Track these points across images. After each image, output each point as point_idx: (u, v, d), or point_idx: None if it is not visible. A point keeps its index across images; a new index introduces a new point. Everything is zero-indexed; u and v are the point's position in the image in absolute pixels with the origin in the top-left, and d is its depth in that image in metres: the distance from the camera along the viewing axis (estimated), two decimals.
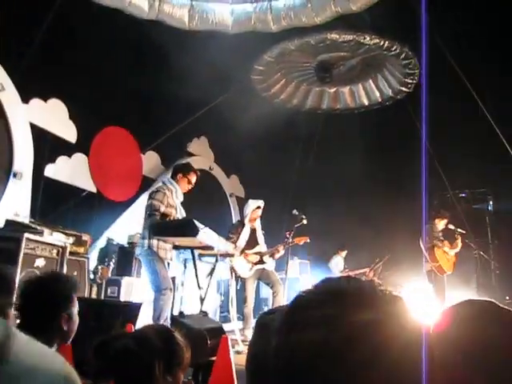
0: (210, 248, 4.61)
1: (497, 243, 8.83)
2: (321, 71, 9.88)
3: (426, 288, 7.33)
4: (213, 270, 4.90)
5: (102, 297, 6.39)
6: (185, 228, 4.31)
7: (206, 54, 8.32)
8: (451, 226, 7.73)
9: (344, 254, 10.54)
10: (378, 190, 9.74)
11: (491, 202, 9.93)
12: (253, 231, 6.44)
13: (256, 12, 7.93)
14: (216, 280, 6.98)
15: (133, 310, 3.65)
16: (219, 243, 4.60)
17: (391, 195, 9.17)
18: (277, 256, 6.39)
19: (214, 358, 3.32)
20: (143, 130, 9.07)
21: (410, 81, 9.88)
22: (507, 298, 8.71)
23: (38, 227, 5.24)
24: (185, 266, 5.74)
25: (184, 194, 5.13)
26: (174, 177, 5.10)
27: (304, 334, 0.62)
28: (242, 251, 6.19)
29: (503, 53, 8.38)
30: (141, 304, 3.73)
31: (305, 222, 6.29)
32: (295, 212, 6.40)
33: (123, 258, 6.92)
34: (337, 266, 10.35)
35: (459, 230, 7.77)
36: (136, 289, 6.46)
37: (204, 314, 4.18)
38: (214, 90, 9.38)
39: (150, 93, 8.47)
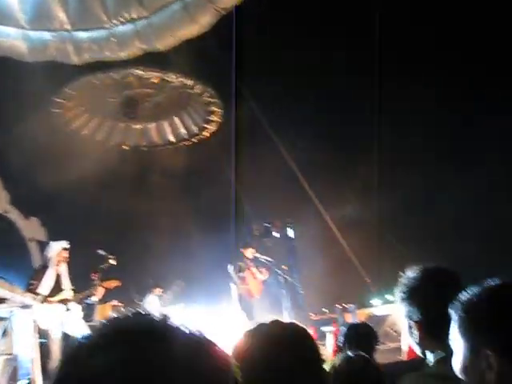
0: (3, 300, 4.02)
1: (299, 266, 9.72)
2: (126, 107, 9.76)
3: (236, 312, 7.59)
4: (6, 326, 4.27)
5: None
6: None
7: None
8: (258, 255, 8.19)
9: (159, 291, 10.26)
10: (190, 222, 9.95)
11: (293, 230, 10.89)
12: (57, 276, 5.83)
13: (55, 41, 7.46)
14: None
15: None
16: (13, 294, 4.03)
17: (204, 225, 9.43)
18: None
19: None
20: None
21: (215, 119, 10.39)
22: (312, 314, 9.56)
23: None
24: None
25: None
26: None
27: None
28: (45, 299, 5.53)
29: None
30: None
31: (113, 262, 5.95)
32: (101, 252, 6.02)
33: None
34: (150, 305, 9.98)
35: (266, 257, 8.28)
36: None
37: None
38: (10, 119, 8.50)
39: None
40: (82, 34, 7.57)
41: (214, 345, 0.62)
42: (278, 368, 1.07)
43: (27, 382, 6.62)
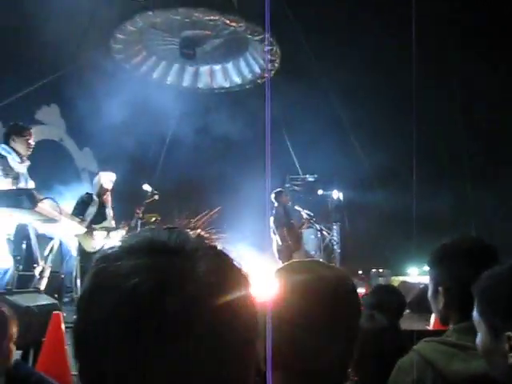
0: (52, 222, 4.23)
1: (339, 225, 9.73)
2: (184, 47, 9.72)
3: (275, 265, 7.66)
4: (53, 245, 4.53)
5: None
6: (21, 199, 3.88)
7: (63, 13, 7.62)
8: (298, 208, 8.17)
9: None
10: (230, 169, 10.06)
11: (336, 189, 10.80)
12: (101, 205, 6.06)
13: None
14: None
15: None
16: (63, 217, 4.24)
17: (245, 174, 9.43)
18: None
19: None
20: None
21: (271, 67, 10.20)
22: None
23: None
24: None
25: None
26: (6, 141, 4.54)
27: (111, 283, 0.56)
28: (89, 226, 5.79)
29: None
30: None
31: (156, 197, 6.12)
32: (146, 187, 6.18)
33: None
34: None
35: (306, 211, 8.25)
36: None
37: (36, 290, 3.83)
38: (70, 54, 8.63)
39: None
40: None
41: (244, 275, 0.62)
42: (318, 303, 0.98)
43: (69, 298, 7.06)
